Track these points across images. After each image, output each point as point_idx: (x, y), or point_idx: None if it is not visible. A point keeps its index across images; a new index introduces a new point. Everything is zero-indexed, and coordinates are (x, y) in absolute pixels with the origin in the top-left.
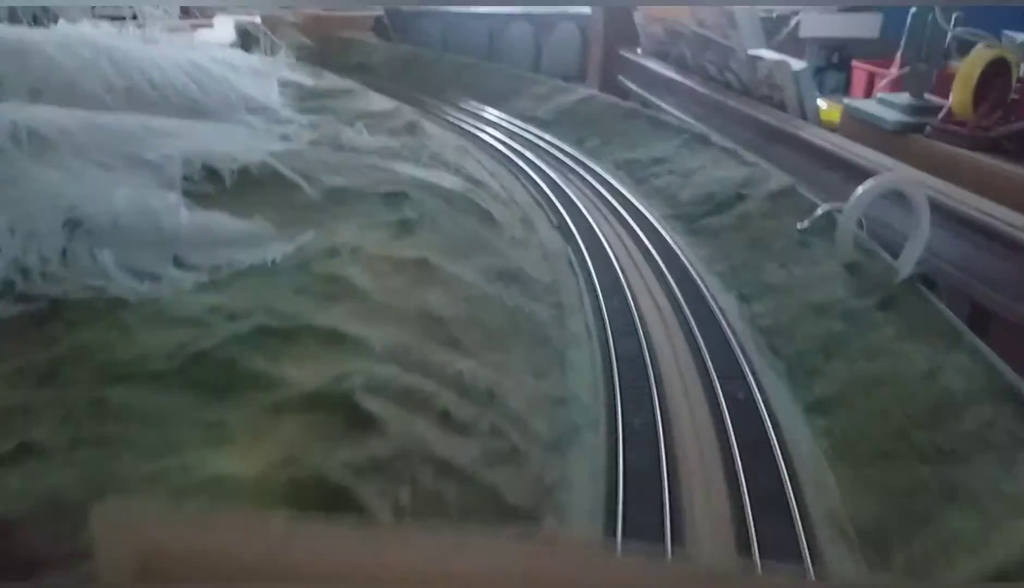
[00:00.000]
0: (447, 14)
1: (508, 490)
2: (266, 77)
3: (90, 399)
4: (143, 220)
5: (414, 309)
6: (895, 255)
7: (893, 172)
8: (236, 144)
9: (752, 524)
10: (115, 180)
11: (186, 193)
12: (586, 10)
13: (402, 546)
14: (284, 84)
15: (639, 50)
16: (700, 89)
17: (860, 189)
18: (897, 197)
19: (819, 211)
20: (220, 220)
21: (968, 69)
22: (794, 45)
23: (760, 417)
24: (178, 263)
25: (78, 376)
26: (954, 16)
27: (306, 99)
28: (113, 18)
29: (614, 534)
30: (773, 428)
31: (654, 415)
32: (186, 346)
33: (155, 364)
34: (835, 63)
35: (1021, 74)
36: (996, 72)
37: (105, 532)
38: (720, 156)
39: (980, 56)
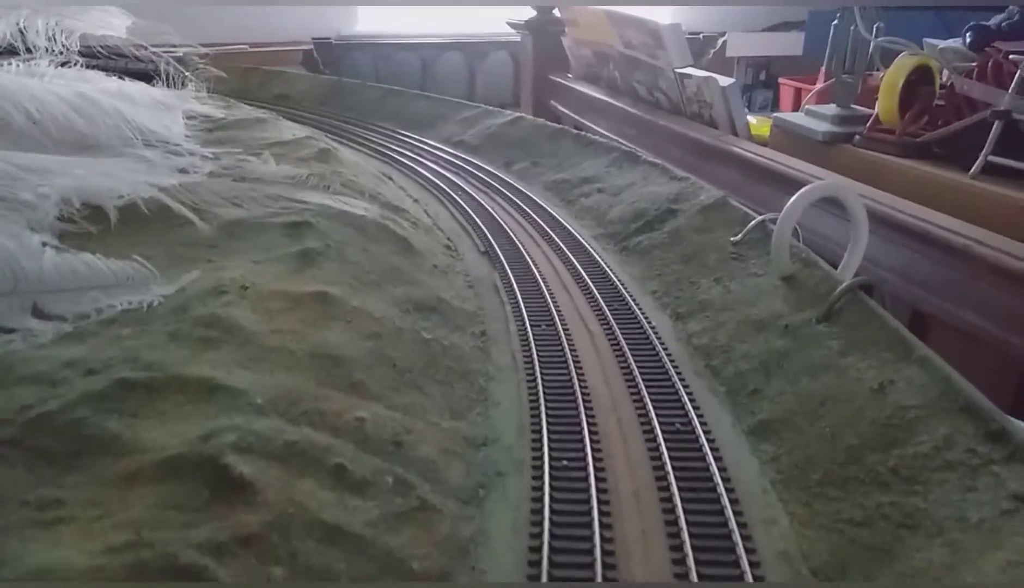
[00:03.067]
0: (379, 45)
1: (412, 554)
2: (169, 109)
3: None
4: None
5: (308, 350)
6: (836, 266)
7: (826, 181)
8: (123, 179)
9: (695, 572)
10: None
11: (64, 234)
12: (515, 37)
13: None
14: (190, 116)
15: (570, 75)
16: (631, 110)
17: (793, 198)
18: (834, 206)
19: (752, 223)
20: (91, 262)
21: (893, 77)
22: (722, 65)
23: (700, 448)
24: (37, 313)
25: None
26: (876, 26)
27: (214, 130)
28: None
29: None
30: (715, 460)
31: (585, 453)
32: (27, 409)
33: None
34: (762, 81)
35: (944, 80)
36: (920, 79)
37: None
38: (650, 172)
39: (904, 64)
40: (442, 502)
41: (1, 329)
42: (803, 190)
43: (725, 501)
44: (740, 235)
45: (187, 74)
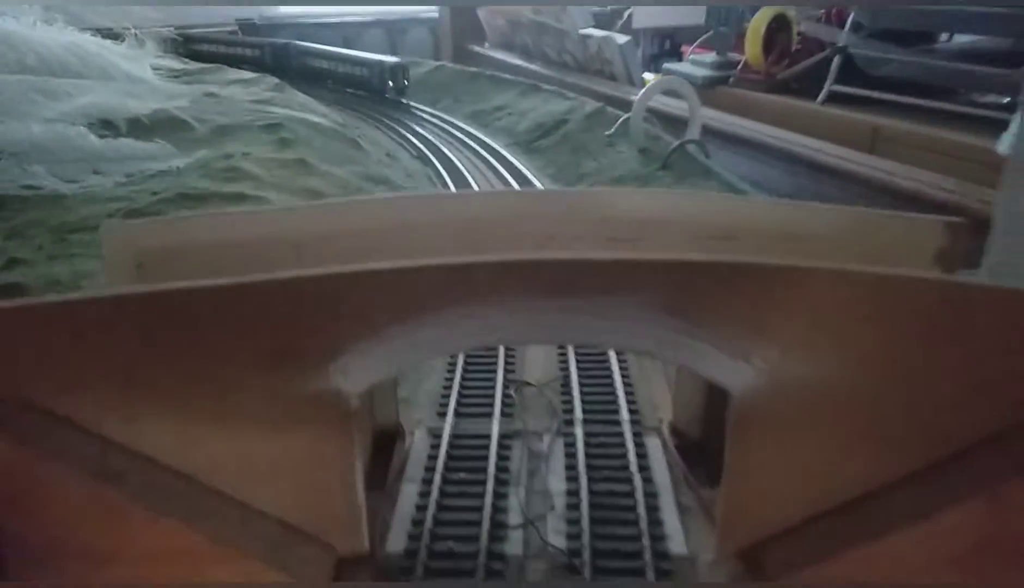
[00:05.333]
0: (302, 25)
1: None
2: (138, 60)
3: (54, 239)
4: (60, 144)
5: (298, 188)
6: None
7: (665, 77)
8: (126, 100)
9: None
10: (30, 121)
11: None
12: (434, 13)
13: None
14: (156, 68)
15: (486, 44)
16: (543, 72)
17: (644, 89)
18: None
19: (620, 120)
20: (127, 143)
21: (755, 26)
22: (630, 36)
23: None
24: (96, 172)
25: (37, 233)
26: None
27: (180, 76)
28: None
29: None
30: None
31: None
32: (122, 208)
33: (99, 221)
34: (667, 50)
35: (799, 28)
36: (779, 27)
37: (109, 242)
38: (549, 97)
39: (764, 14)
40: None
41: (74, 181)
42: (651, 83)
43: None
44: (613, 129)
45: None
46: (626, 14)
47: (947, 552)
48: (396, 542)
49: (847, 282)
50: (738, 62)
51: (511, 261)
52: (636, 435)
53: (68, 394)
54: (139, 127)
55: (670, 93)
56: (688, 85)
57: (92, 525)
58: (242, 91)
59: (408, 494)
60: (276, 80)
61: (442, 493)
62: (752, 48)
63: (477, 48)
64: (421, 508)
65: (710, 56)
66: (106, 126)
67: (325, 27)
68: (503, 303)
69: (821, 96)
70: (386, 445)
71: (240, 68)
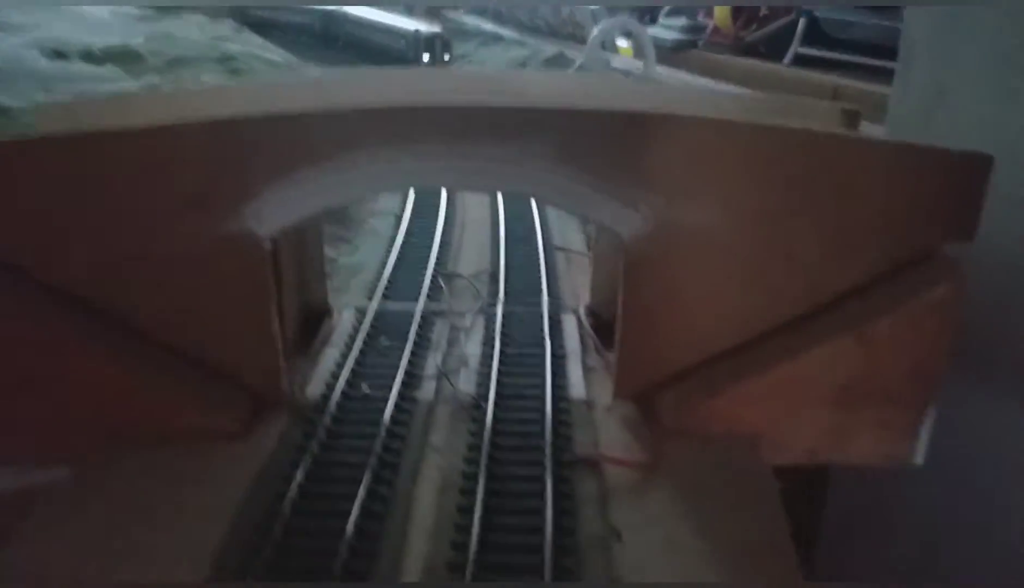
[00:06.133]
0: None
1: None
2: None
3: None
4: (10, 65)
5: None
6: None
7: (617, 18)
8: (80, 35)
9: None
10: None
11: None
12: None
13: None
14: (115, 13)
15: (461, 11)
16: (526, 40)
17: (597, 27)
18: None
19: (576, 64)
20: (77, 66)
21: None
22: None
23: None
24: (46, 90)
25: None
26: None
27: (140, 20)
28: None
29: None
30: None
31: None
32: None
33: None
34: (650, 19)
35: None
36: None
37: (42, 119)
38: (510, 45)
39: None
40: None
41: (22, 97)
42: (604, 23)
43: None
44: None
45: None
46: None
47: (819, 390)
48: (314, 390)
49: (723, 132)
50: (707, 26)
51: (410, 106)
52: (553, 314)
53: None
54: (91, 57)
55: (625, 34)
56: (637, 23)
57: (29, 356)
58: (198, 32)
59: (330, 356)
60: (235, 23)
61: (362, 354)
62: (721, 12)
63: (451, 15)
64: (340, 365)
65: (680, 19)
66: (58, 56)
67: None
68: (407, 147)
69: (787, 58)
70: (315, 323)
71: (294, 36)
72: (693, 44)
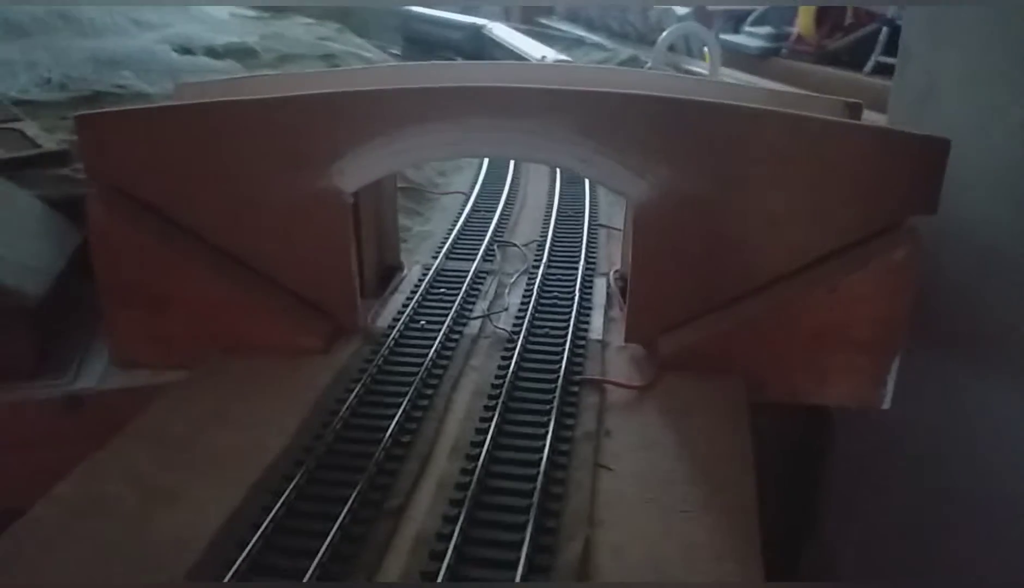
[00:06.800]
0: None
1: None
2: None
3: None
4: (147, 56)
5: None
6: None
7: (685, 23)
8: (203, 33)
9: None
10: (125, 40)
11: None
12: None
13: None
14: (233, 13)
15: (553, 16)
16: (606, 43)
17: (664, 32)
18: None
19: (647, 66)
20: (202, 60)
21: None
22: (705, 16)
23: None
24: (176, 81)
25: None
26: None
27: (253, 20)
28: None
29: None
30: None
31: None
32: None
33: None
34: (733, 30)
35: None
36: None
37: (180, 92)
38: (590, 49)
39: None
40: None
41: (157, 85)
42: (670, 28)
43: None
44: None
45: None
46: None
47: (796, 336)
48: (382, 323)
49: (721, 114)
50: (790, 34)
51: (461, 87)
52: (586, 277)
53: (148, 182)
54: (213, 52)
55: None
56: (703, 28)
57: (157, 273)
58: (304, 32)
59: (398, 300)
60: (337, 24)
61: (423, 298)
62: (805, 20)
63: (544, 20)
64: (405, 306)
65: (764, 28)
66: (186, 51)
67: None
68: (458, 122)
69: (868, 66)
70: (389, 275)
71: (445, 50)
72: (776, 52)
